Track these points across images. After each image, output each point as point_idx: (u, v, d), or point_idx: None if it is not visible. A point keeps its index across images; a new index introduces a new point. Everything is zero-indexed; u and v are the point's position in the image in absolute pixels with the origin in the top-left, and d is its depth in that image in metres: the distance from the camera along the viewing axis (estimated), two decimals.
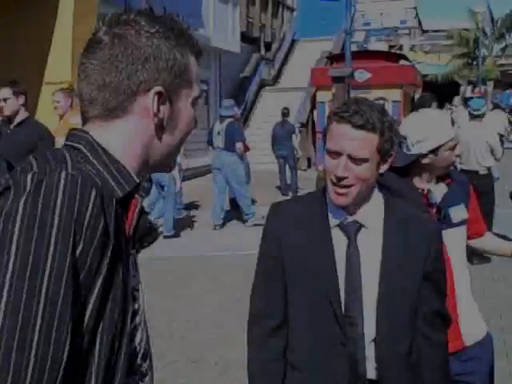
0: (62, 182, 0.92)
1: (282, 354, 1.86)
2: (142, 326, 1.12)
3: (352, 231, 1.80)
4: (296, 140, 12.90)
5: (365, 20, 20.13)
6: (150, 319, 1.28)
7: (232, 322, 4.96)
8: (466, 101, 11.96)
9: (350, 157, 1.71)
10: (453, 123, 2.38)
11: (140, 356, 1.12)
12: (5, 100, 5.39)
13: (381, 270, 1.77)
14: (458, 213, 2.40)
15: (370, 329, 1.76)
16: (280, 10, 25.45)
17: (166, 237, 8.43)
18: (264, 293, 1.88)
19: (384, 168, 1.79)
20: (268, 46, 23.58)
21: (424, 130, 2.32)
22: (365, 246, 1.79)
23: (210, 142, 9.64)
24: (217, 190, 9.54)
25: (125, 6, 1.14)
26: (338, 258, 1.79)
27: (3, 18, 8.64)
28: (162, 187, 8.73)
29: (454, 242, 2.38)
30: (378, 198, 1.85)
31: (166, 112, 1.10)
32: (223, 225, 9.59)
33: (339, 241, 1.80)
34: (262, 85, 21.47)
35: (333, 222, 1.82)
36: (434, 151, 2.31)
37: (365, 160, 1.71)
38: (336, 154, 1.73)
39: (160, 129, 1.10)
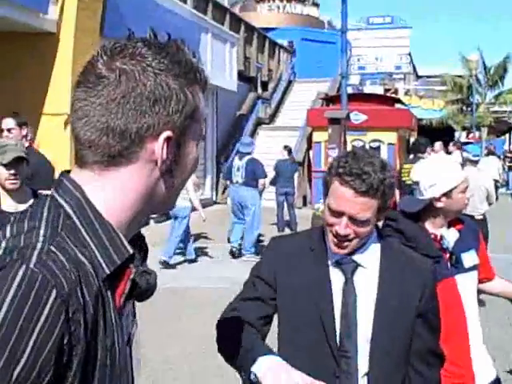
0: (17, 280, 0.83)
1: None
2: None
3: (349, 270, 1.85)
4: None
5: (360, 64, 20.39)
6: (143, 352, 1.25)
7: None
8: (459, 146, 12.06)
9: (351, 218, 1.77)
10: (462, 166, 2.45)
11: None
12: (9, 130, 5.45)
13: (375, 307, 1.83)
14: (469, 258, 2.45)
15: (363, 363, 1.81)
16: (277, 51, 25.84)
17: (164, 263, 8.45)
18: (248, 306, 1.89)
19: (382, 217, 1.87)
20: (264, 86, 23.85)
21: (436, 174, 2.39)
22: (361, 284, 1.85)
23: (227, 177, 10.07)
24: (237, 223, 9.91)
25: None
26: (334, 294, 1.84)
27: (5, 54, 8.72)
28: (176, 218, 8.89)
29: (466, 286, 2.44)
30: (375, 238, 1.91)
31: (174, 155, 0.99)
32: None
33: (336, 278, 1.86)
34: (259, 123, 21.66)
35: (331, 259, 1.87)
36: (447, 194, 2.36)
37: (366, 221, 1.78)
38: (338, 213, 1.78)
39: (166, 174, 1.00)
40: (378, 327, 1.81)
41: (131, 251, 0.97)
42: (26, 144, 5.56)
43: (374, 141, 16.23)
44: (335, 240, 1.81)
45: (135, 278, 0.99)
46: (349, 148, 15.73)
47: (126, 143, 0.95)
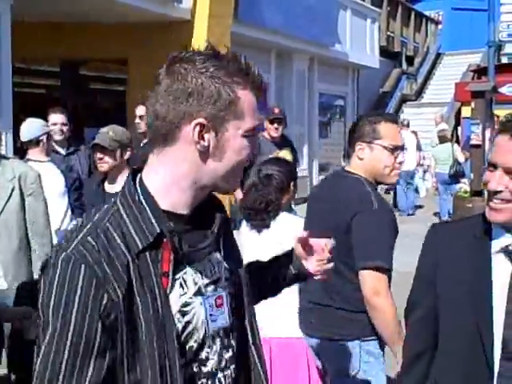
0: (59, 265, 1.21)
1: (424, 379, 1.78)
2: (198, 326, 1.32)
3: None
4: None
5: (510, 31, 18.82)
6: None
7: None
8: None
9: (506, 170, 1.59)
10: None
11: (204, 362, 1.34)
12: (140, 117, 5.73)
13: None
14: None
15: None
16: (424, 23, 24.66)
17: None
18: (412, 317, 1.83)
19: None
20: (410, 61, 22.93)
21: None
22: None
23: None
24: None
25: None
26: (498, 287, 1.65)
27: (143, 45, 9.19)
28: None
29: None
30: None
31: (212, 140, 1.27)
32: None
33: (502, 268, 1.66)
34: (404, 100, 20.92)
35: (496, 246, 1.67)
36: None
37: None
38: (493, 167, 1.62)
39: (205, 155, 1.28)
40: None
41: (158, 230, 1.26)
42: None
43: None
44: (490, 202, 1.62)
45: (179, 245, 1.27)
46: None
47: (168, 127, 1.26)
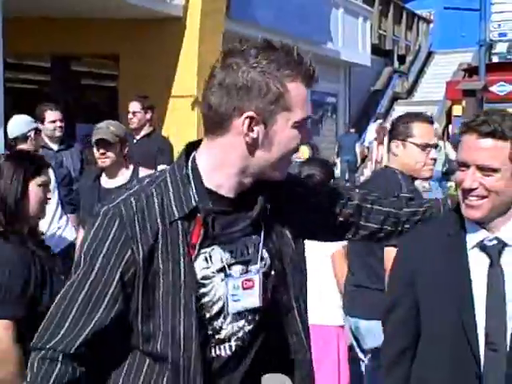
0: (100, 217, 1.35)
1: (407, 377, 1.78)
2: (215, 300, 1.39)
3: (494, 251, 1.67)
4: None
5: (501, 30, 18.92)
6: None
7: None
8: None
9: (478, 167, 1.63)
10: None
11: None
12: (134, 113, 5.70)
13: None
14: None
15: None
16: (415, 22, 24.72)
17: None
18: (392, 317, 1.83)
19: None
20: (402, 59, 22.99)
21: None
22: (510, 267, 1.66)
23: None
24: None
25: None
26: (477, 281, 1.67)
27: (134, 41, 9.16)
28: None
29: None
30: None
31: (261, 133, 1.33)
32: None
33: (478, 263, 1.68)
34: (395, 98, 20.96)
35: (471, 241, 1.70)
36: None
37: (494, 170, 1.62)
38: (464, 166, 1.66)
39: (253, 147, 1.34)
40: None
41: (194, 204, 1.35)
42: (151, 128, 5.79)
43: None
44: (465, 199, 1.65)
45: (210, 222, 1.35)
46: None
47: (219, 117, 1.33)
